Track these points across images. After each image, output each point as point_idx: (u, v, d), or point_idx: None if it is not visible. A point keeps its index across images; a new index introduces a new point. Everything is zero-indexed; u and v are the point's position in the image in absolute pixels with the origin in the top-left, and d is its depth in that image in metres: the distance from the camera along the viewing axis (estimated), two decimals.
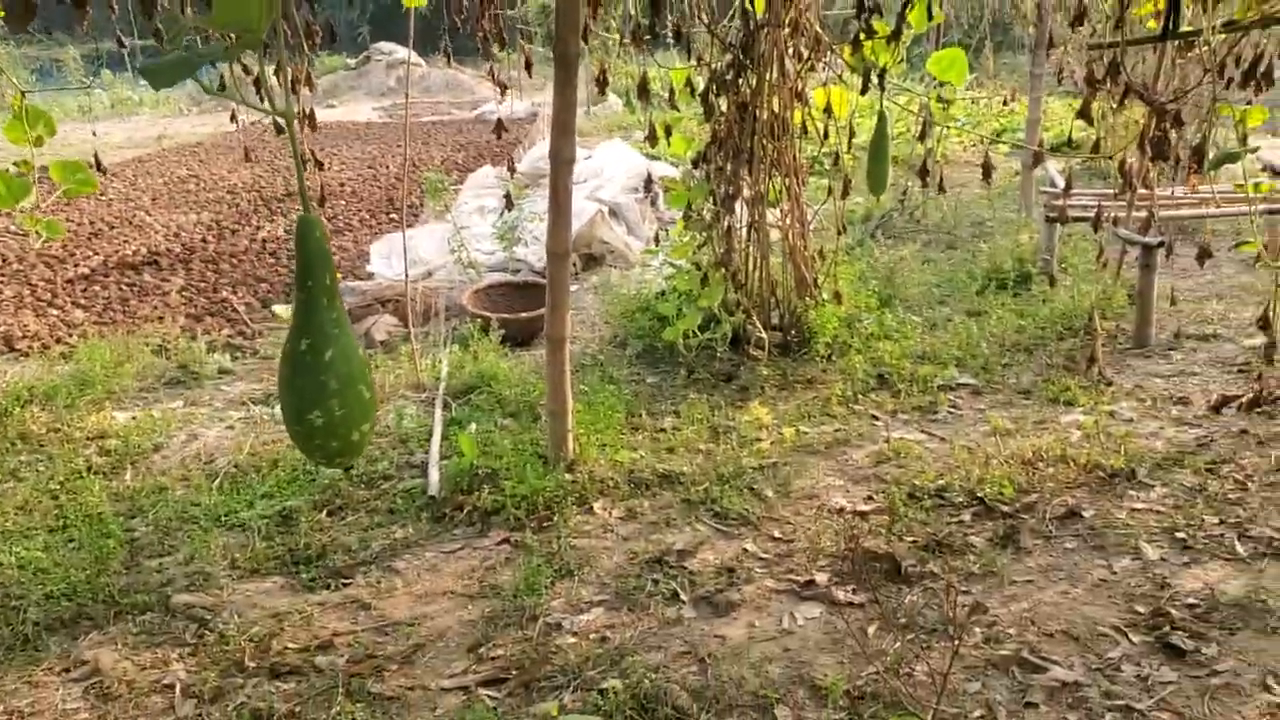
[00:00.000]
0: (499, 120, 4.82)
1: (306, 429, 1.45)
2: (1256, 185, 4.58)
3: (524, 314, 6.12)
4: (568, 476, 4.10)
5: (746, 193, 5.27)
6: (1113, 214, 5.36)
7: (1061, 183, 6.83)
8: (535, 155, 9.55)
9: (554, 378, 4.27)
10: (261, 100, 1.45)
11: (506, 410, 4.89)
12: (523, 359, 5.68)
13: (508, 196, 5.29)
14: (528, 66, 4.75)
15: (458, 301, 6.49)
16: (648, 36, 4.65)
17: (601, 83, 4.82)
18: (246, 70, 4.34)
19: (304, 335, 1.43)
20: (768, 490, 3.98)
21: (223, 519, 3.98)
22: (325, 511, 4.00)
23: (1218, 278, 6.46)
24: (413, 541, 3.77)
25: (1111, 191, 6.36)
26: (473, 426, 4.62)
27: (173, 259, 8.29)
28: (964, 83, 5.02)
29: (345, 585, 3.49)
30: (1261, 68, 4.32)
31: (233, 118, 5.25)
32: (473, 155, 13.50)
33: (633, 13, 4.96)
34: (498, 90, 4.67)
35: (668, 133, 5.11)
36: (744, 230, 5.44)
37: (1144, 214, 5.18)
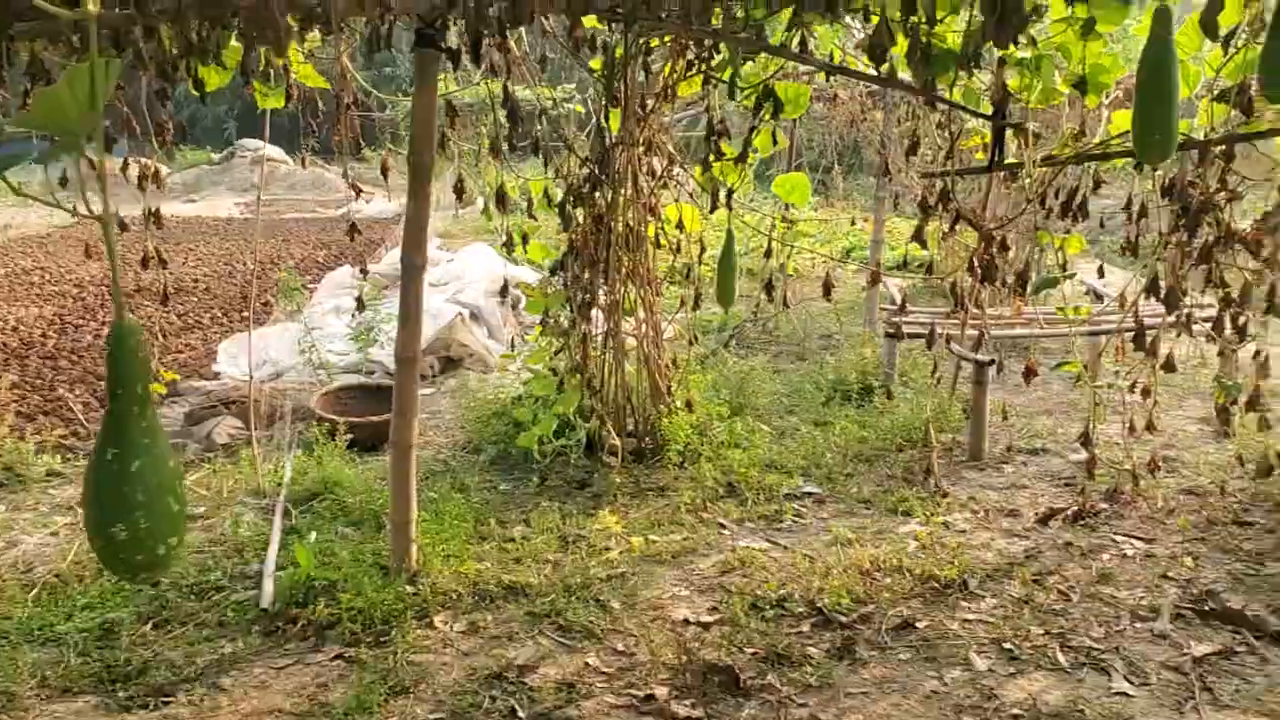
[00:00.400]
0: (351, 223, 4.81)
1: (109, 542, 1.39)
2: (1076, 309, 4.90)
3: (374, 418, 6.02)
4: (409, 589, 3.99)
5: (603, 301, 5.35)
6: (946, 332, 5.63)
7: (900, 300, 7.17)
8: (396, 256, 9.50)
9: (398, 486, 4.19)
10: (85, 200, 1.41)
11: (350, 518, 4.77)
12: (371, 464, 5.57)
13: (359, 298, 5.24)
14: (383, 172, 4.77)
15: (306, 404, 6.34)
16: (506, 148, 4.74)
17: (459, 191, 4.86)
18: (92, 164, 4.23)
19: (111, 445, 1.38)
20: (614, 601, 3.96)
21: (36, 633, 3.73)
22: (150, 624, 3.79)
23: (1047, 394, 6.82)
24: (242, 657, 3.59)
25: (945, 310, 6.69)
26: (312, 535, 4.48)
27: (8, 354, 7.89)
28: (807, 203, 5.26)
29: (165, 704, 3.30)
30: (1077, 200, 4.64)
31: (74, 211, 5.08)
32: (334, 254, 13.35)
33: (494, 125, 5.04)
34: (353, 192, 4.69)
35: (524, 240, 5.17)
36: (600, 338, 5.51)
37: (976, 333, 5.46)
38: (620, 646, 3.62)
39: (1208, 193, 4.33)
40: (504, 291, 5.29)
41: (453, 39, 4.22)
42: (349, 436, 5.68)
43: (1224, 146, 4.30)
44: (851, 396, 6.62)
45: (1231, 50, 4.08)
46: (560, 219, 5.09)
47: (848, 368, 6.87)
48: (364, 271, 5.31)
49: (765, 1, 4.19)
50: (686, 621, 3.79)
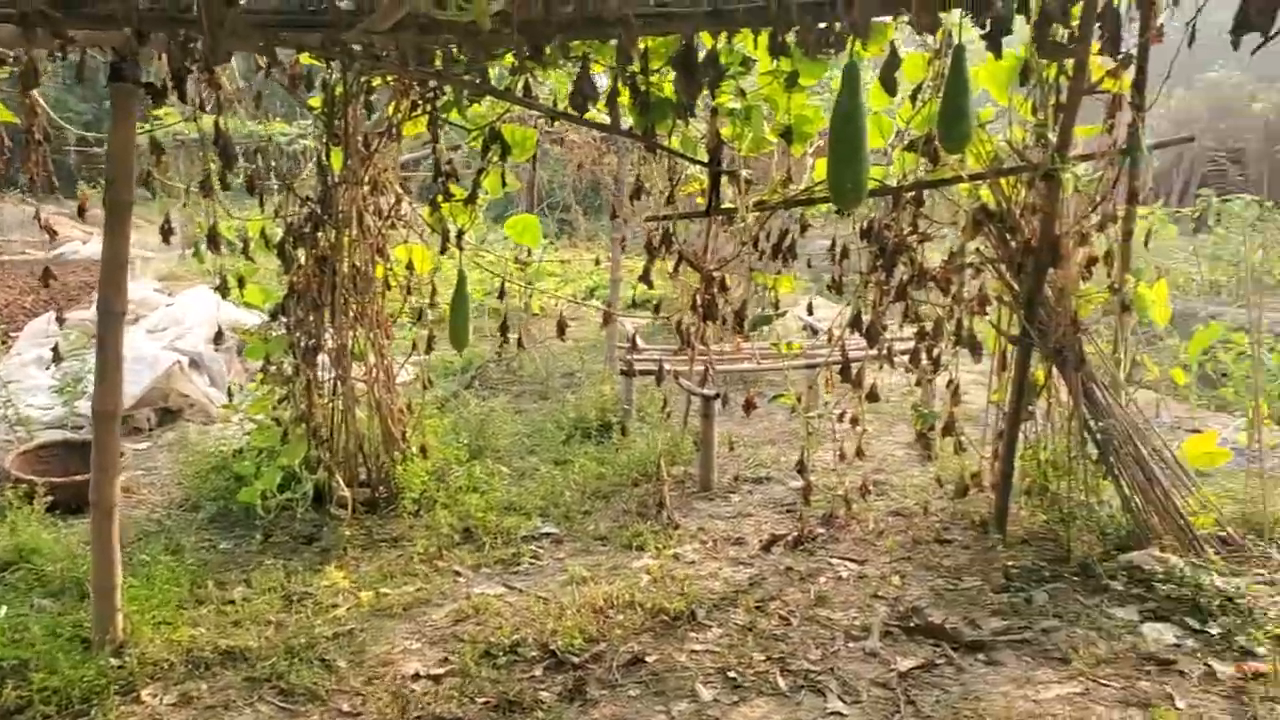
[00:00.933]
0: (45, 267, 4.45)
1: None
2: (790, 344, 5.18)
3: (78, 477, 5.53)
4: (114, 662, 3.68)
5: (330, 345, 5.16)
6: (674, 369, 5.80)
7: (638, 340, 7.35)
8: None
9: (101, 550, 3.88)
10: None
11: (48, 589, 4.36)
12: (75, 528, 5.11)
13: (55, 348, 4.84)
14: (80, 212, 4.45)
15: (1, 464, 5.77)
16: (219, 187, 4.51)
17: (166, 231, 4.58)
18: None
19: None
20: (340, 660, 3.79)
21: None
22: None
23: (772, 424, 7.15)
24: None
25: (674, 347, 6.88)
26: (2, 610, 4.06)
27: None
28: (539, 244, 5.29)
29: None
30: (786, 242, 4.90)
31: None
32: (43, 300, 12.27)
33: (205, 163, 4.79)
34: (46, 235, 4.35)
35: (241, 283, 4.93)
36: (329, 384, 5.31)
37: (701, 369, 5.65)
38: (346, 707, 3.47)
39: (901, 235, 4.67)
40: (218, 338, 5.01)
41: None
42: (50, 499, 5.20)
43: (914, 192, 4.67)
44: (591, 434, 6.70)
45: (919, 104, 4.45)
46: (280, 260, 4.90)
47: (588, 405, 6.95)
48: (60, 319, 4.91)
49: (479, 46, 4.20)
50: (417, 675, 3.68)
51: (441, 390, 7.48)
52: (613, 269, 8.48)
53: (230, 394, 6.63)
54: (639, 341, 7.16)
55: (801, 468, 4.90)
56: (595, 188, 12.25)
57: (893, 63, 3.14)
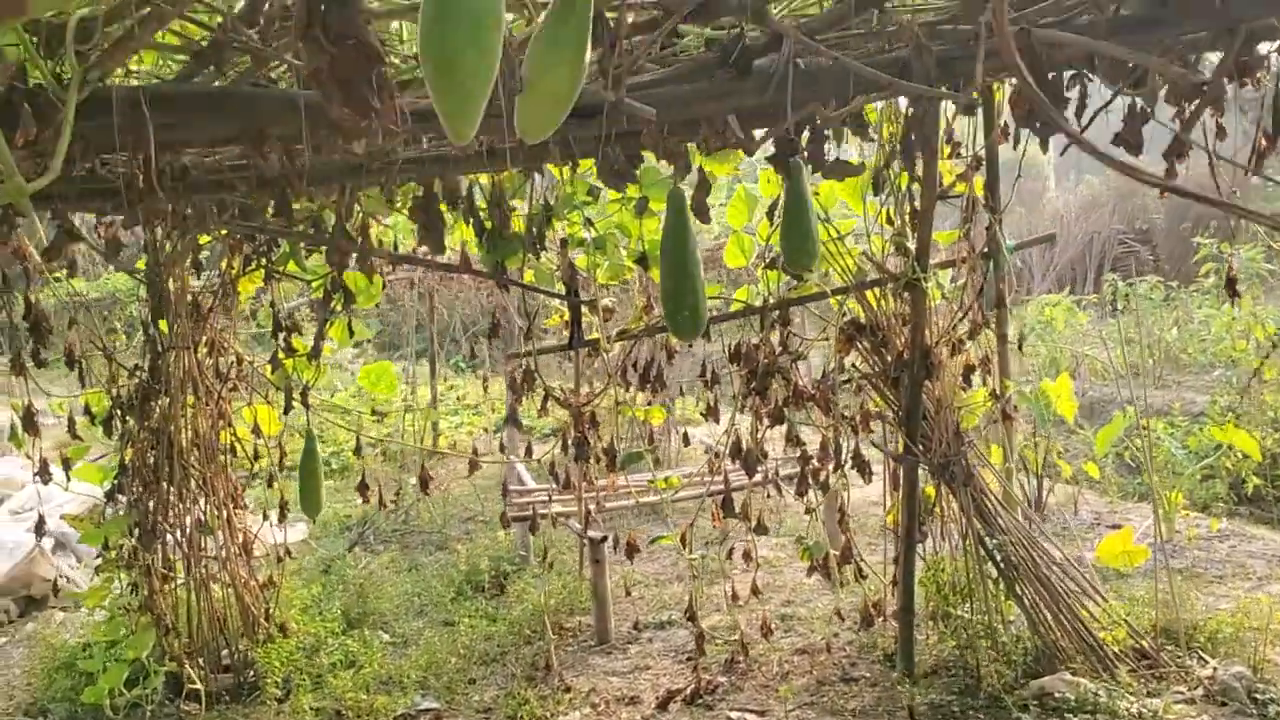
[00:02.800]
0: None
1: None
2: (667, 479, 4.88)
3: None
4: None
5: (173, 522, 4.75)
6: (553, 513, 5.46)
7: (530, 480, 7.00)
8: None
9: None
10: None
11: None
12: None
13: None
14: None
15: None
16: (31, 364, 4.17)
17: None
18: None
19: None
20: None
21: None
22: None
23: (676, 559, 6.79)
24: None
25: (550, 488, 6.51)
26: None
27: None
28: (395, 393, 4.97)
29: None
30: (654, 371, 4.65)
31: None
32: None
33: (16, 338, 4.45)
34: None
35: (66, 465, 4.53)
36: (179, 565, 4.88)
37: (588, 508, 5.32)
38: None
39: (772, 356, 4.44)
40: (39, 529, 4.57)
41: None
42: None
43: (779, 311, 4.46)
44: (484, 587, 6.28)
45: (776, 220, 4.28)
46: (105, 435, 4.52)
47: (480, 555, 6.54)
48: None
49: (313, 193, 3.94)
50: None
51: (325, 551, 7.04)
52: (508, 402, 8.17)
53: (55, 589, 6.14)
54: (526, 479, 6.81)
55: (692, 615, 4.54)
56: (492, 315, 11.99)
57: (703, 188, 2.92)
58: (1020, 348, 4.51)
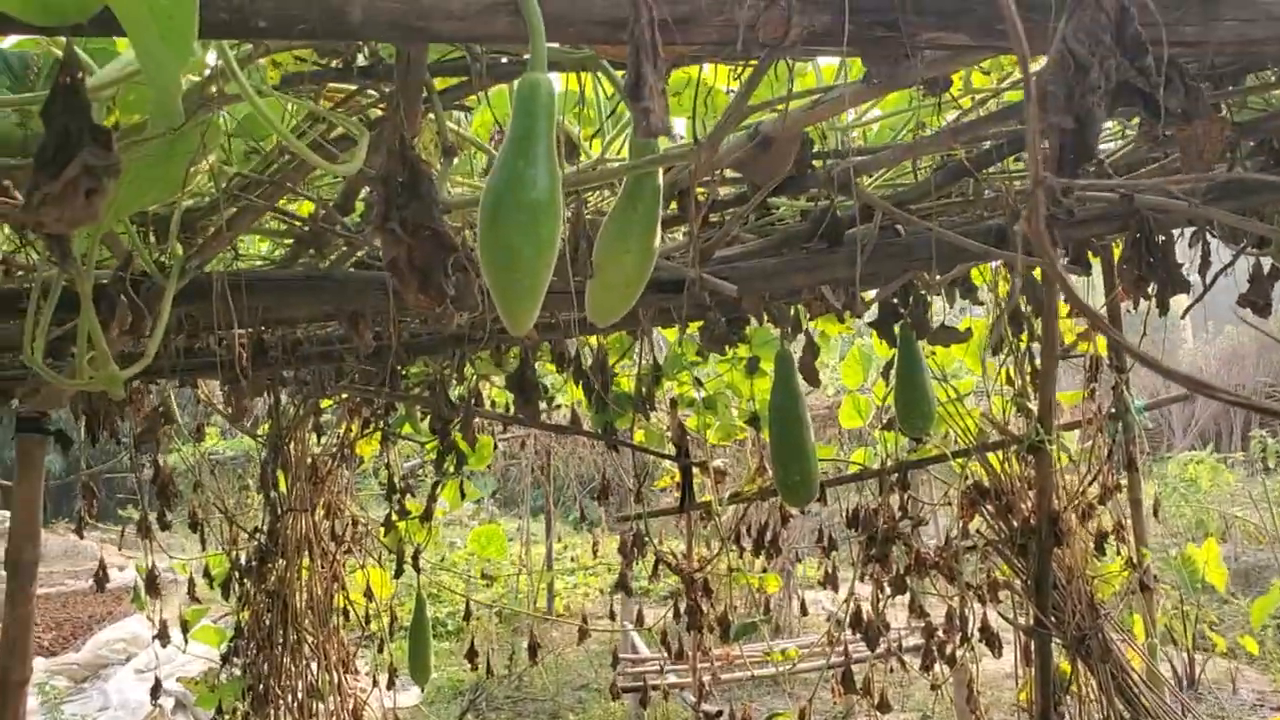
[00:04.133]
0: None
1: None
2: (783, 652, 4.69)
3: None
4: None
5: (285, 686, 4.74)
6: (664, 685, 5.27)
7: (644, 648, 6.83)
8: (101, 640, 8.53)
9: None
10: None
11: None
12: None
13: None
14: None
15: None
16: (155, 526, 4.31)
17: (101, 580, 4.34)
18: None
19: None
20: None
21: None
22: None
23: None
24: None
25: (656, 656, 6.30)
26: None
27: None
28: (505, 556, 4.96)
29: None
30: (769, 535, 4.54)
31: None
32: (63, 635, 11.99)
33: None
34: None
35: (185, 628, 4.61)
36: None
37: (697, 682, 5.12)
38: None
39: (891, 521, 4.28)
40: (155, 692, 4.62)
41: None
42: None
43: (897, 474, 4.32)
44: None
45: (890, 383, 4.19)
46: (224, 597, 4.59)
47: None
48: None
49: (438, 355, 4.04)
50: None
51: (439, 716, 6.93)
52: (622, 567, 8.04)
53: None
54: (640, 647, 6.63)
55: None
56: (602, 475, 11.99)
57: (810, 351, 2.87)
58: (1156, 513, 4.24)
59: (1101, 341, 3.99)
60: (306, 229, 1.53)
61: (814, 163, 1.51)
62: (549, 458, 10.54)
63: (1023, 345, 4.03)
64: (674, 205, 1.64)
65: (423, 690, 4.67)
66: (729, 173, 1.61)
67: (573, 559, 11.00)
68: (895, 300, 2.31)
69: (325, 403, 4.71)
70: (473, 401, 4.18)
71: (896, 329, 3.13)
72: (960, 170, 1.53)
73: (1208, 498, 13.82)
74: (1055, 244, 1.52)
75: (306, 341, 2.48)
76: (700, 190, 1.80)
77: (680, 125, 1.60)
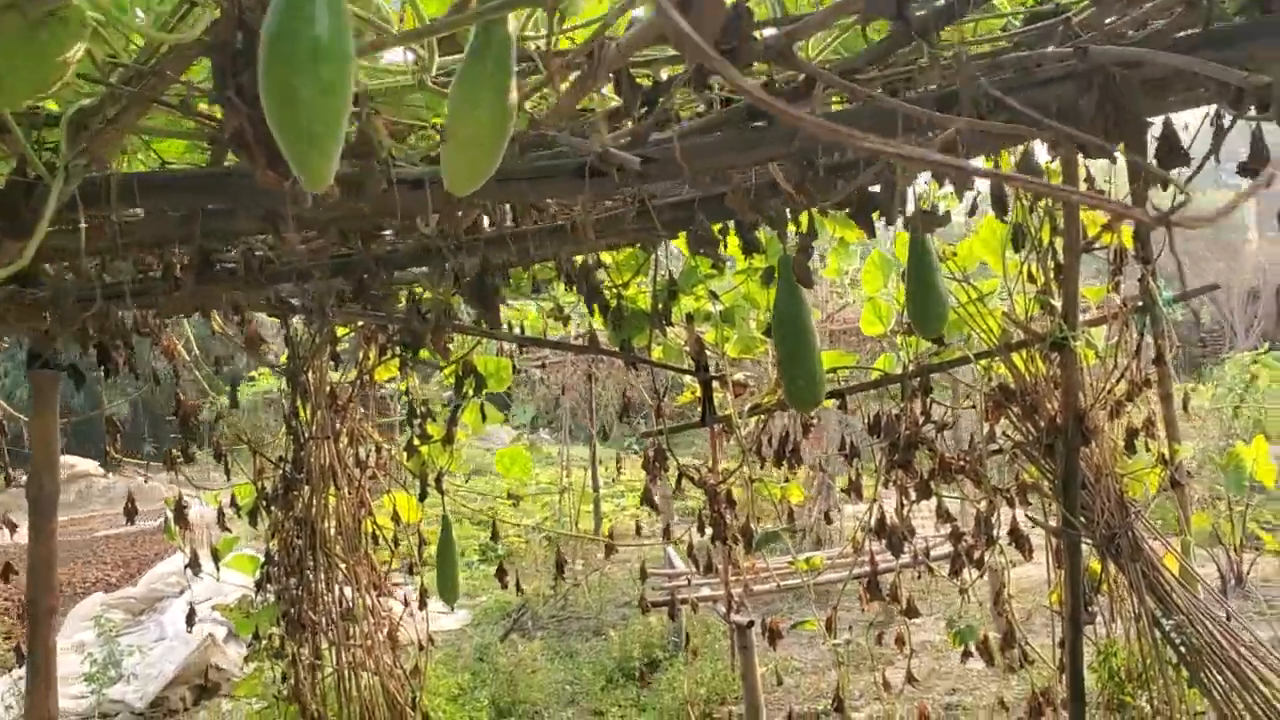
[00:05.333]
0: (6, 564, 4.27)
1: None
2: (808, 560, 4.65)
3: None
4: None
5: (319, 612, 4.82)
6: (693, 598, 5.28)
7: (679, 563, 6.84)
8: (156, 574, 8.75)
9: None
10: None
11: None
12: None
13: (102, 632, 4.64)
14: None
15: None
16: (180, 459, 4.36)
17: (130, 512, 4.42)
18: None
19: None
20: None
21: None
22: None
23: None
24: None
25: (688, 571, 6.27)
26: None
27: None
28: (530, 477, 4.95)
29: None
30: (789, 446, 4.47)
31: None
32: (129, 573, 12.40)
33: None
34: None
35: (216, 558, 4.69)
36: (329, 653, 4.94)
37: (728, 593, 5.12)
38: None
39: (914, 426, 4.19)
40: (190, 619, 4.71)
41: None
42: None
43: (919, 379, 4.22)
44: (635, 674, 6.12)
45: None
46: (251, 526, 4.66)
47: (633, 642, 6.40)
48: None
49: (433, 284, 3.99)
50: None
51: (481, 638, 7.04)
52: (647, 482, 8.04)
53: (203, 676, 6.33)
54: (676, 562, 6.65)
55: (839, 705, 4.27)
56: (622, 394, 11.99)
57: (804, 250, 2.77)
58: (1185, 407, 4.11)
59: (1126, 232, 3.83)
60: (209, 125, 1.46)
61: (754, 34, 1.41)
62: (591, 381, 10.55)
63: (1045, 240, 3.89)
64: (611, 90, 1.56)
65: (452, 608, 4.72)
66: (670, 50, 1.52)
67: (612, 480, 11.06)
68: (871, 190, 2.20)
69: (341, 330, 4.71)
70: (444, 312, 4.17)
71: (900, 223, 3.02)
72: (902, 34, 1.42)
73: (1268, 397, 13.47)
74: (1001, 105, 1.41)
75: (276, 260, 2.44)
76: (644, 74, 1.71)
77: None
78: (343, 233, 2.28)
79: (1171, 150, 2.08)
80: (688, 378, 5.04)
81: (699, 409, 4.58)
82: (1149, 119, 1.90)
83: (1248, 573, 6.62)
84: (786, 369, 3.01)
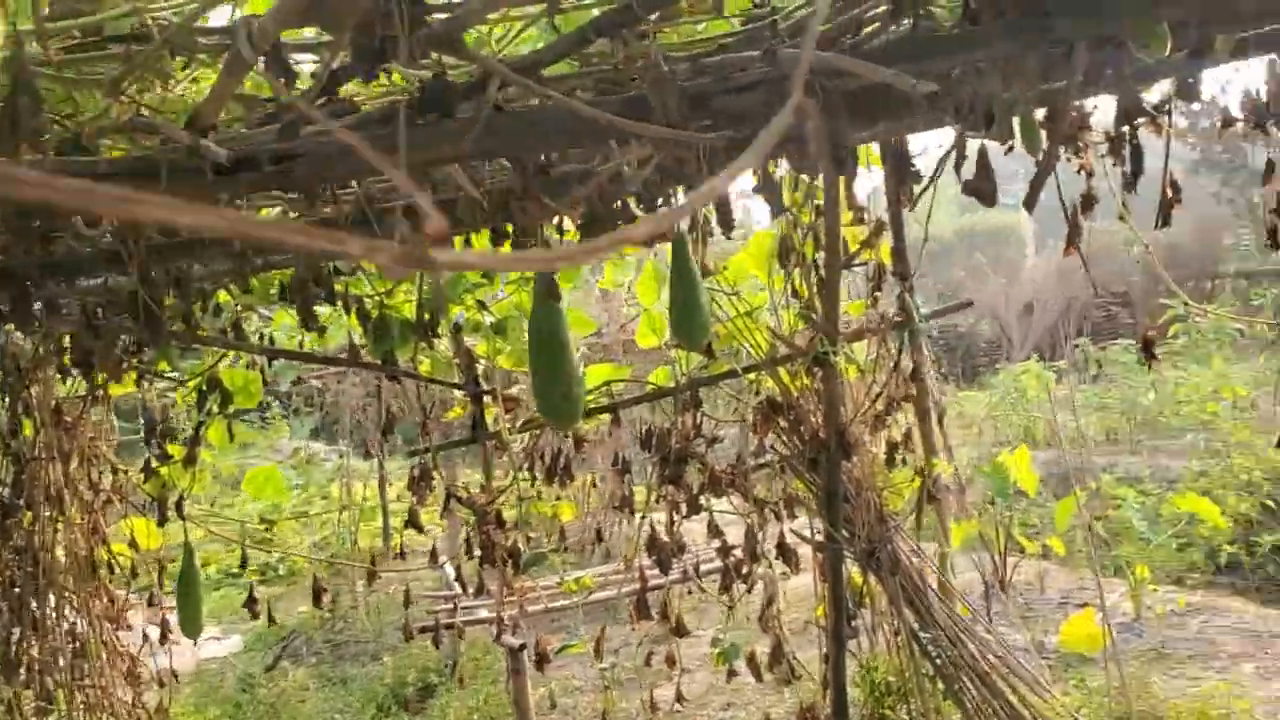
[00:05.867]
0: None
1: None
2: (578, 580, 4.54)
3: None
4: None
5: (40, 652, 4.36)
6: (460, 622, 5.09)
7: (458, 586, 6.61)
8: None
9: None
10: None
11: None
12: None
13: None
14: None
15: None
16: None
17: None
18: None
19: None
20: None
21: None
22: None
23: (613, 665, 6.37)
24: None
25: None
26: None
27: None
28: (288, 498, 4.65)
29: None
30: (561, 463, 4.35)
31: None
32: None
33: None
34: None
35: None
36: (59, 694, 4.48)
37: (511, 614, 4.96)
38: None
39: (685, 440, 4.13)
40: None
41: None
42: None
43: (688, 393, 4.16)
44: (408, 701, 5.86)
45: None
46: None
47: (407, 667, 6.13)
48: None
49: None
50: None
51: (250, 665, 6.61)
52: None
53: None
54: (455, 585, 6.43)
55: None
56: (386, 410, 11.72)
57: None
58: (941, 423, 4.20)
59: (885, 249, 3.88)
60: None
61: (426, 18, 1.25)
62: (380, 391, 10.13)
63: (809, 255, 3.90)
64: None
65: (195, 641, 4.35)
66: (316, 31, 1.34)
67: (399, 496, 10.67)
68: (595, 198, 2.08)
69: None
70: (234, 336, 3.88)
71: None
72: (589, 32, 1.29)
73: (1033, 405, 14.33)
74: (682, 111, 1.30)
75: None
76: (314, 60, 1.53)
77: None
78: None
79: (899, 168, 2.04)
80: (458, 393, 4.86)
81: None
82: (885, 134, 1.84)
83: (1010, 577, 6.92)
84: (541, 386, 2.86)
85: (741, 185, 3.98)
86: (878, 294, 3.87)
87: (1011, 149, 1.80)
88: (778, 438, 4.26)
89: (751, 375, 4.20)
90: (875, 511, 4.00)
